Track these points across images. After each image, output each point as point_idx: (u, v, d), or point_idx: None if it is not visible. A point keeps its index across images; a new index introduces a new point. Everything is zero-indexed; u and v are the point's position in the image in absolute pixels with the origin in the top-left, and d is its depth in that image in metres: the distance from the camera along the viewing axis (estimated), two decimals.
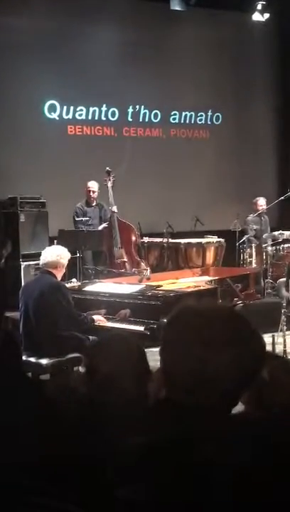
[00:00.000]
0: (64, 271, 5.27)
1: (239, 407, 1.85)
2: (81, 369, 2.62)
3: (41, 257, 5.22)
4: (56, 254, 5.13)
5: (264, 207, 9.58)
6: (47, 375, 4.80)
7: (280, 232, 9.16)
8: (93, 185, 8.76)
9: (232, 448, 1.36)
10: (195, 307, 1.52)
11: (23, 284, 7.00)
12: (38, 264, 6.55)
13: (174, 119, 10.91)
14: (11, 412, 1.64)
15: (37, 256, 7.08)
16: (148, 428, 1.42)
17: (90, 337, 4.77)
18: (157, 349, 1.54)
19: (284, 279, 7.09)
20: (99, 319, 5.11)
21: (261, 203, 9.61)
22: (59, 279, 5.19)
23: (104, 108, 10.21)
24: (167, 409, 1.45)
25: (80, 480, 1.52)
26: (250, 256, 8.90)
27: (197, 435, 1.36)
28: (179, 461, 1.33)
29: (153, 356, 1.55)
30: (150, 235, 9.14)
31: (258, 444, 1.39)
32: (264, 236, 9.29)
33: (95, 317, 5.10)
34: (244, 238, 9.12)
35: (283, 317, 6.27)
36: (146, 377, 2.11)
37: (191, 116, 11.06)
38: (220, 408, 1.43)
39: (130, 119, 10.50)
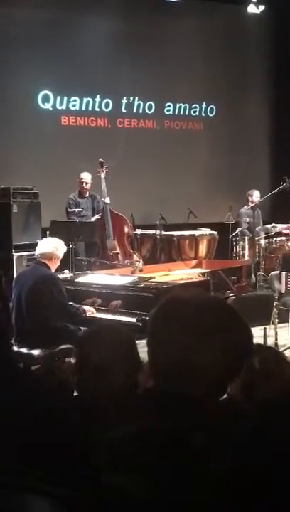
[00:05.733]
0: (58, 263, 5.26)
1: None
2: (72, 360, 2.63)
3: (37, 248, 5.21)
4: (52, 246, 5.13)
5: (259, 200, 9.59)
6: (39, 366, 4.79)
7: (273, 225, 9.18)
8: (86, 177, 8.73)
9: (226, 437, 1.36)
10: (181, 297, 1.51)
11: (15, 274, 6.98)
12: (31, 255, 6.56)
13: (168, 110, 10.88)
14: (2, 400, 1.64)
15: (29, 247, 7.08)
16: (137, 417, 1.43)
17: (82, 328, 4.76)
18: None
19: (277, 271, 7.10)
20: (90, 310, 5.10)
21: (257, 195, 9.62)
22: (53, 270, 5.19)
23: (97, 99, 10.17)
24: (155, 398, 1.45)
25: (71, 467, 1.53)
26: (243, 249, 8.91)
27: (186, 424, 1.36)
28: (170, 450, 1.33)
29: (145, 348, 1.55)
30: (143, 227, 9.11)
31: (250, 432, 1.39)
32: (257, 229, 9.30)
33: (86, 308, 5.09)
34: (237, 231, 9.12)
35: (275, 310, 6.28)
36: (136, 367, 2.12)
37: (185, 108, 11.03)
38: (208, 397, 1.43)
39: (124, 111, 10.46)
